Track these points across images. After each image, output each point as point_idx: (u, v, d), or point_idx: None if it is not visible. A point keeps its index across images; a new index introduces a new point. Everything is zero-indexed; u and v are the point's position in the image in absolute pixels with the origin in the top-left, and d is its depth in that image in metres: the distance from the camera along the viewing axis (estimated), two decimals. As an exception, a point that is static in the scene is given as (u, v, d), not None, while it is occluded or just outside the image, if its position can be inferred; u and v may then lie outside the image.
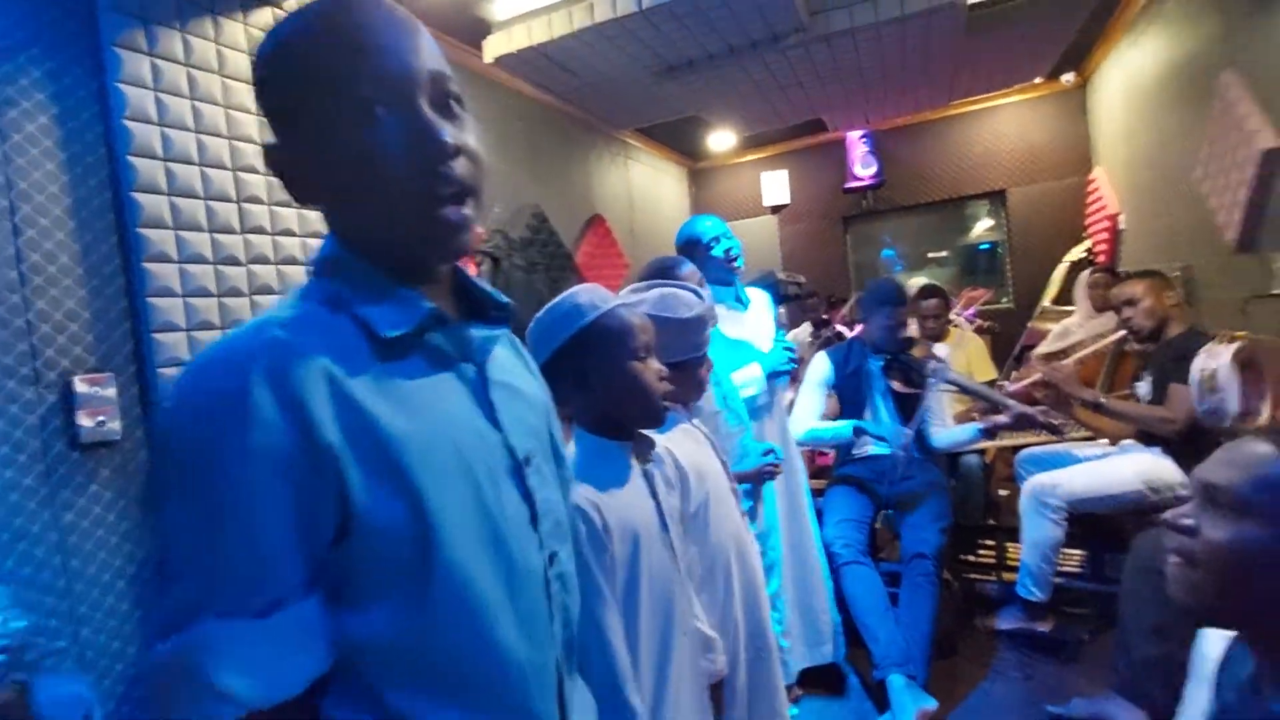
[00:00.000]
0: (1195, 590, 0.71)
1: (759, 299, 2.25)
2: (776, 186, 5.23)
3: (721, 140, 4.92)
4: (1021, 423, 2.15)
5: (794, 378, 2.35)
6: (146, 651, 0.51)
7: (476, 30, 2.71)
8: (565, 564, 0.68)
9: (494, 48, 2.69)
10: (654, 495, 1.07)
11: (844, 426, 2.30)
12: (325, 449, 0.50)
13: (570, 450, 1.04)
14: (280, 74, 0.57)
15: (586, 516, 0.94)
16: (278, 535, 0.49)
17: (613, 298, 1.06)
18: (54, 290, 1.55)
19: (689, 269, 1.74)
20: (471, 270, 2.86)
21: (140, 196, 1.66)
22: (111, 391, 1.61)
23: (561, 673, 0.66)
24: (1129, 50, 3.47)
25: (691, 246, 2.10)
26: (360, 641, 0.54)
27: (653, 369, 1.04)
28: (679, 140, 4.96)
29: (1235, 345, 1.63)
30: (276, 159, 0.59)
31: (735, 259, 2.09)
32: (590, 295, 1.04)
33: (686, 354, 1.30)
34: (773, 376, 2.01)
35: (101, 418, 1.57)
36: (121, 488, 1.64)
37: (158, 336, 1.68)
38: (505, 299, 0.68)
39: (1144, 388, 2.12)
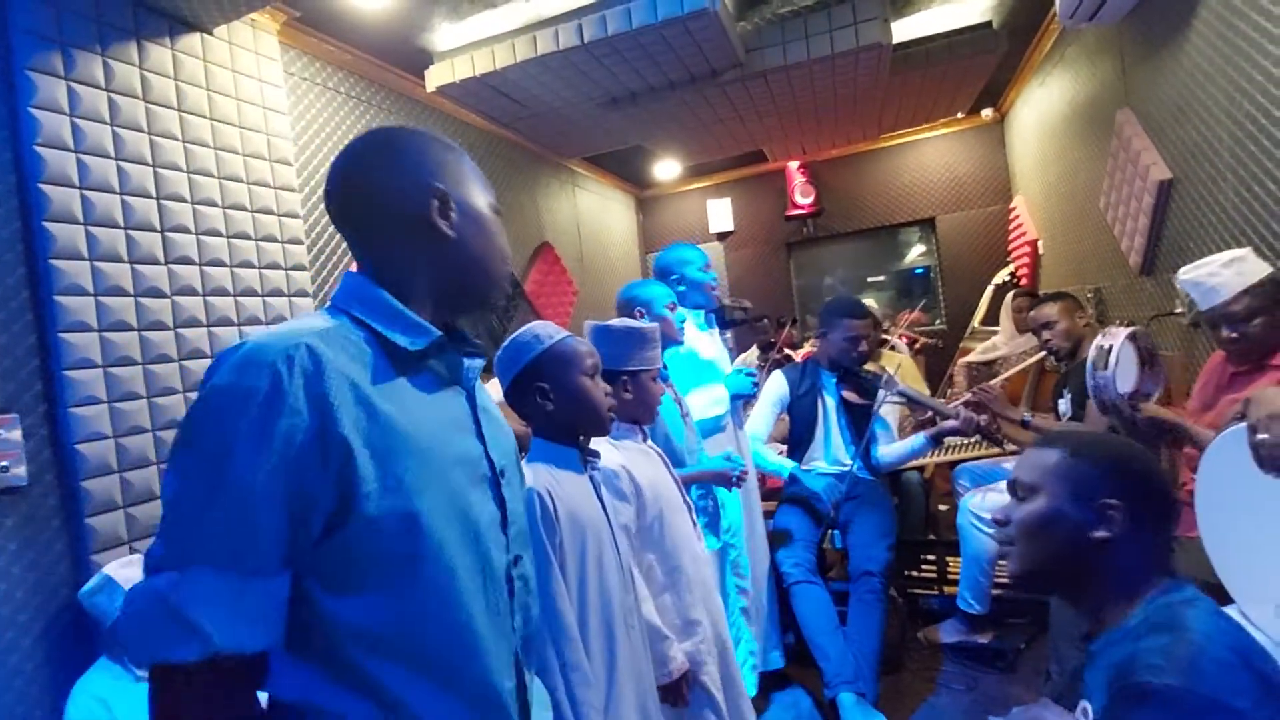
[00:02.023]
0: (1014, 567, 0.88)
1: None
2: (721, 214, 5.37)
3: (667, 169, 5.03)
4: (968, 426, 2.24)
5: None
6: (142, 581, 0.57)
7: (418, 60, 2.70)
8: (527, 567, 0.78)
9: (436, 77, 2.69)
10: (600, 498, 1.23)
11: (783, 468, 2.44)
12: (339, 446, 0.59)
13: (531, 453, 1.23)
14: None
15: (540, 499, 1.10)
16: (274, 513, 0.57)
17: (563, 331, 1.26)
18: (-48, 326, 1.45)
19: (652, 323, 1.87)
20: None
21: (53, 226, 1.58)
22: (16, 434, 1.50)
23: (520, 665, 0.73)
24: (1038, 89, 3.75)
25: (682, 266, 2.25)
26: (351, 624, 0.61)
27: (600, 386, 1.24)
28: (626, 169, 5.04)
29: (1132, 328, 1.74)
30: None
31: (715, 287, 2.31)
32: (545, 328, 1.25)
33: (639, 364, 1.51)
34: (735, 399, 2.15)
35: (5, 462, 1.46)
36: (28, 538, 1.52)
37: (70, 374, 1.58)
38: (477, 340, 0.81)
39: (1064, 405, 2.25)
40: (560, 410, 1.21)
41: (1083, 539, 0.82)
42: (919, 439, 2.37)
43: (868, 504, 2.37)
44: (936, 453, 2.80)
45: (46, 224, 1.57)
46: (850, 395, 2.40)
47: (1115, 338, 1.72)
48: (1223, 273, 1.58)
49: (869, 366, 2.47)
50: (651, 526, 1.41)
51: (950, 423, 2.26)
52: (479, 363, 0.79)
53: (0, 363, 1.51)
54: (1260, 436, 1.11)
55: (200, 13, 1.90)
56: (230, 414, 0.57)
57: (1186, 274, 1.66)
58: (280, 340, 0.60)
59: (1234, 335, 1.57)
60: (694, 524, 1.52)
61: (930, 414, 2.55)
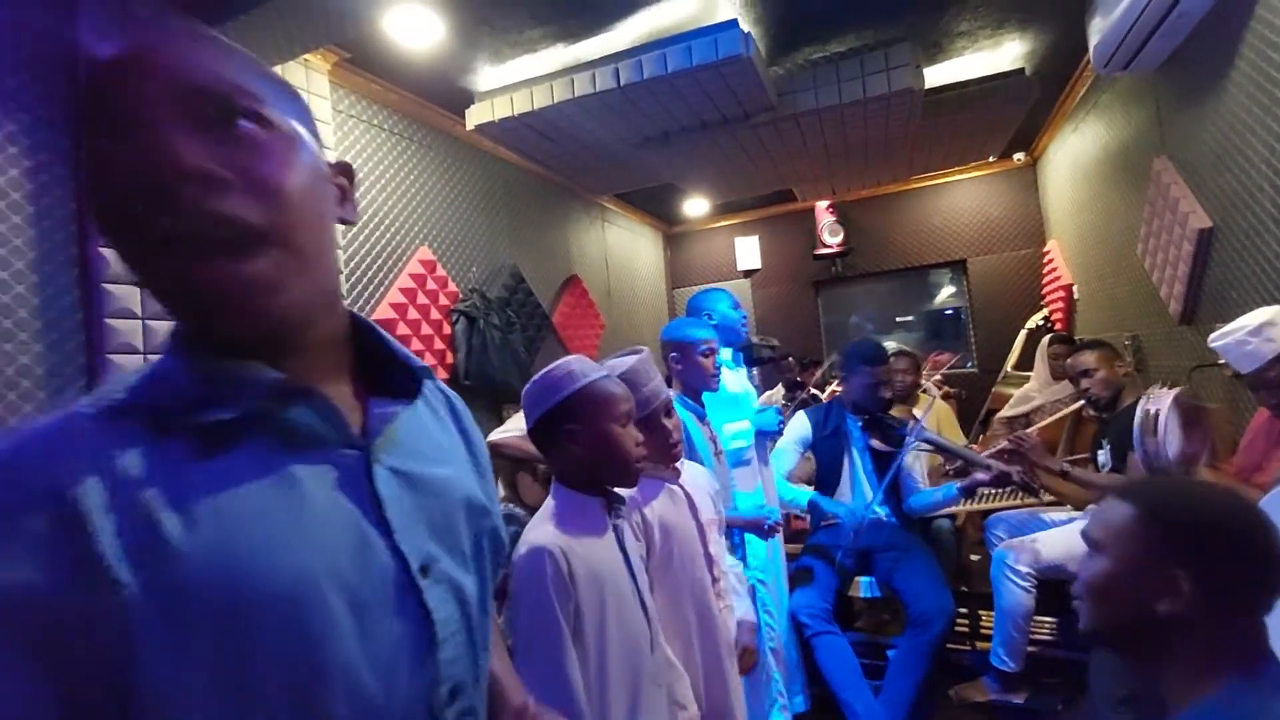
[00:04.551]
0: (1081, 623, 0.84)
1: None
2: (749, 252, 5.40)
3: (696, 206, 5.10)
4: (1000, 481, 2.18)
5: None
6: None
7: (460, 99, 2.81)
8: (473, 695, 0.54)
9: (476, 116, 2.78)
10: (623, 549, 1.13)
11: (802, 495, 2.35)
12: (106, 585, 0.38)
13: (548, 503, 1.14)
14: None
15: (552, 558, 1.01)
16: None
17: (600, 369, 1.18)
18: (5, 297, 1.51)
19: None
20: (444, 329, 2.86)
21: (108, 252, 1.65)
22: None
23: None
24: (1071, 135, 3.74)
25: (712, 304, 2.28)
26: None
27: (631, 435, 1.15)
28: (655, 205, 5.12)
29: (1176, 390, 1.70)
30: None
31: (744, 325, 2.36)
32: (580, 365, 1.16)
33: (642, 408, 1.33)
34: (760, 435, 2.12)
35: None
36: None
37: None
38: (418, 362, 0.57)
39: (1104, 456, 2.18)
40: (587, 456, 1.12)
41: (1146, 610, 0.76)
42: (949, 487, 2.29)
43: (910, 551, 2.30)
44: (969, 501, 2.71)
45: (104, 266, 1.64)
46: (876, 443, 2.35)
47: (1161, 401, 1.68)
48: (1251, 340, 1.56)
49: (897, 413, 2.42)
50: (658, 568, 1.30)
51: (980, 475, 2.20)
52: (396, 407, 0.54)
53: (51, 381, 1.57)
54: None
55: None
56: None
57: (1217, 340, 1.64)
58: (29, 439, 0.41)
59: (1273, 402, 1.54)
60: (714, 579, 1.39)
61: (960, 462, 2.49)
